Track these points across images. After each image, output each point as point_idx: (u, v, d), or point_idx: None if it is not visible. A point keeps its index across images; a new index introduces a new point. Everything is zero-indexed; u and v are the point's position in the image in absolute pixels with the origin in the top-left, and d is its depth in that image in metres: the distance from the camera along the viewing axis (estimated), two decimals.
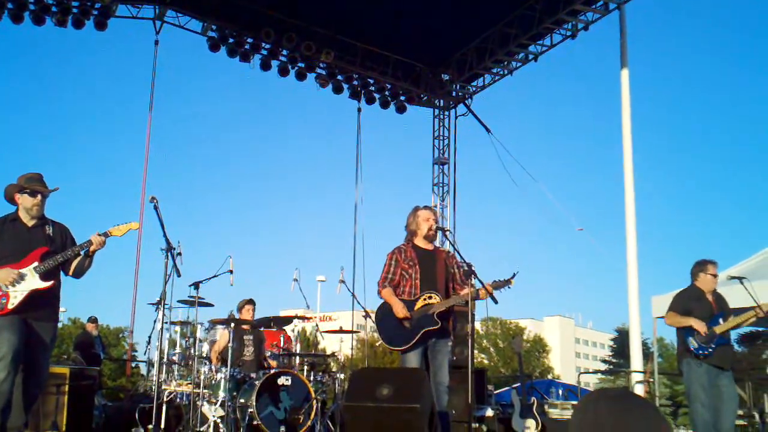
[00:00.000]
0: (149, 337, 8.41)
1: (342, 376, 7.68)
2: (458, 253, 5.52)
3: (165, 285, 5.94)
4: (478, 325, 44.21)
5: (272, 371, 6.90)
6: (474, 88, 14.15)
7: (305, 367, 7.38)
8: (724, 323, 5.93)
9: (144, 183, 11.85)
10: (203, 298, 7.36)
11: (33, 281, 4.69)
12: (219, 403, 6.77)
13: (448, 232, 11.53)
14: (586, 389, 15.74)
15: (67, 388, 7.01)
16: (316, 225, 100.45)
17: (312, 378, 7.18)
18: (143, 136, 12.23)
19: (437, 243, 5.90)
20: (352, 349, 12.09)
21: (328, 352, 9.10)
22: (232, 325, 7.00)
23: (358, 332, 10.87)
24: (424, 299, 5.32)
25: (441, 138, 14.32)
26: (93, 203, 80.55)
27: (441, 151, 14.26)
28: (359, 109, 13.80)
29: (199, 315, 7.68)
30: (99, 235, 4.85)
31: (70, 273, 4.94)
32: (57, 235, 4.93)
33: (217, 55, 12.19)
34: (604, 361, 51.02)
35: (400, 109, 14.00)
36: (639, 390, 10.62)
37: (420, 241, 5.55)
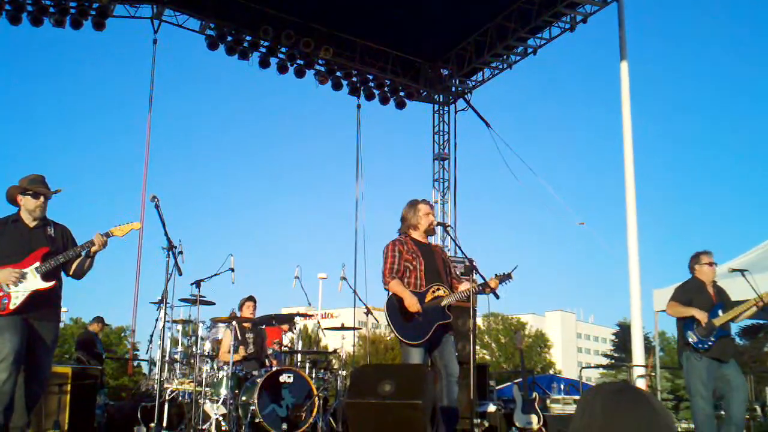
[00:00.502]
0: (151, 335, 8.47)
1: (344, 372, 7.68)
2: (459, 248, 5.52)
3: (166, 284, 5.96)
4: (479, 321, 44.21)
5: (274, 369, 6.90)
6: (473, 83, 14.15)
7: (307, 365, 7.39)
8: (723, 314, 5.93)
9: (144, 182, 11.87)
10: (204, 297, 7.37)
11: (34, 281, 4.70)
12: (221, 401, 6.78)
13: (449, 228, 11.55)
14: (587, 384, 15.74)
15: (69, 387, 7.01)
16: (316, 222, 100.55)
17: (314, 375, 7.18)
18: (143, 136, 12.25)
19: (437, 238, 5.90)
20: (353, 345, 12.10)
21: (330, 349, 9.11)
22: (234, 323, 7.00)
23: (360, 329, 10.86)
24: (433, 291, 5.26)
25: (441, 133, 14.33)
26: (93, 203, 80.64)
27: (441, 147, 14.26)
28: (359, 106, 13.84)
29: (201, 313, 7.73)
30: (101, 235, 4.86)
31: (71, 273, 4.96)
32: (58, 235, 4.95)
33: (215, 53, 12.23)
34: (606, 356, 50.98)
35: (400, 105, 14.00)
36: (641, 384, 10.61)
37: (418, 235, 5.50)
